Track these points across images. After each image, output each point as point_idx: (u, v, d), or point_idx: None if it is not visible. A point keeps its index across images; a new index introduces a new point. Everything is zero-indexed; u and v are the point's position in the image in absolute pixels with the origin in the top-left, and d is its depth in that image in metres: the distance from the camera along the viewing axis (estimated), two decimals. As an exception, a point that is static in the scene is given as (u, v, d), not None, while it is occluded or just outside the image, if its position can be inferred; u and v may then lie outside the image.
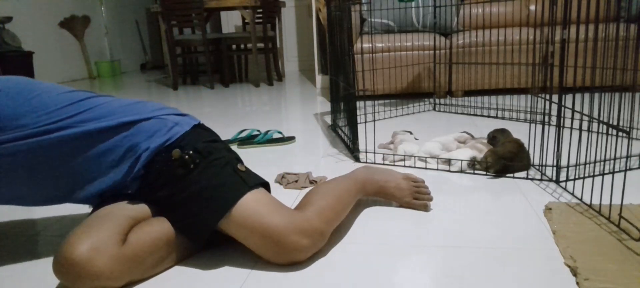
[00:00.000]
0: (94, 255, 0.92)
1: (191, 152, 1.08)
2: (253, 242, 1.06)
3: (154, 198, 1.12)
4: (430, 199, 1.37)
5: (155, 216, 1.12)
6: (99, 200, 1.14)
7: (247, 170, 1.15)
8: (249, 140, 2.25)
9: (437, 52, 3.17)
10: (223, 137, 2.43)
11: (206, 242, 1.15)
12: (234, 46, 5.20)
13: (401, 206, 1.40)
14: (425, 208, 1.37)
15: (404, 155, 1.86)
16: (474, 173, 1.68)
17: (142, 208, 1.10)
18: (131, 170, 1.10)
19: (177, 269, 1.11)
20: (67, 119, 1.04)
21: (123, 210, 1.05)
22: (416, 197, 1.38)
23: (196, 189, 1.06)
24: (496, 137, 1.84)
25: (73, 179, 1.08)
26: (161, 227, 1.07)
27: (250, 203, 1.05)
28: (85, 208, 1.54)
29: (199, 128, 1.17)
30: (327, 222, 1.11)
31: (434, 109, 2.95)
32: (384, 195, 1.39)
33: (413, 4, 3.35)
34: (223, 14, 6.23)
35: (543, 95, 1.68)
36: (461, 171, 1.71)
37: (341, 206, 1.19)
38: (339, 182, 1.27)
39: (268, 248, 1.05)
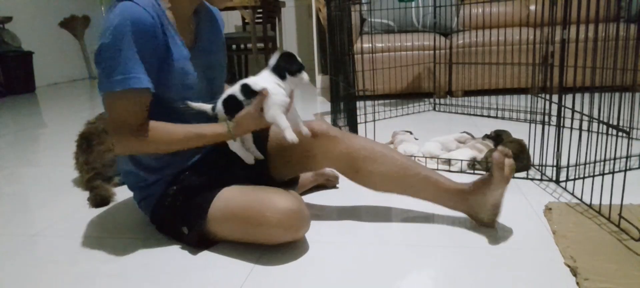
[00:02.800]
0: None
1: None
2: None
3: None
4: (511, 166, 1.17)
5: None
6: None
7: None
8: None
9: (437, 52, 3.16)
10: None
11: (207, 242, 1.20)
12: (234, 46, 5.20)
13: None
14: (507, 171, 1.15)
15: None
16: (474, 173, 1.68)
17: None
18: None
19: (178, 268, 1.11)
20: None
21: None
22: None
23: None
24: (500, 135, 1.84)
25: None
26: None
27: None
28: (82, 211, 1.54)
29: None
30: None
31: (434, 109, 2.95)
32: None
33: (413, 4, 3.35)
34: (223, 13, 6.23)
35: (543, 95, 1.68)
36: (461, 171, 1.71)
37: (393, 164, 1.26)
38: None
39: None
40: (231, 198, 1.14)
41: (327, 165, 1.31)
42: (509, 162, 1.15)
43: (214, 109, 1.19)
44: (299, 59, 1.19)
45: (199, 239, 1.18)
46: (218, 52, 1.31)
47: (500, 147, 1.18)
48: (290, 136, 1.11)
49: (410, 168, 1.24)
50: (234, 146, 1.24)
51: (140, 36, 1.05)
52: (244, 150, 1.25)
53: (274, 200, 1.09)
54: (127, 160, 1.23)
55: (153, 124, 1.13)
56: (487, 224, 1.23)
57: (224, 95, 1.19)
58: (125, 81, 1.05)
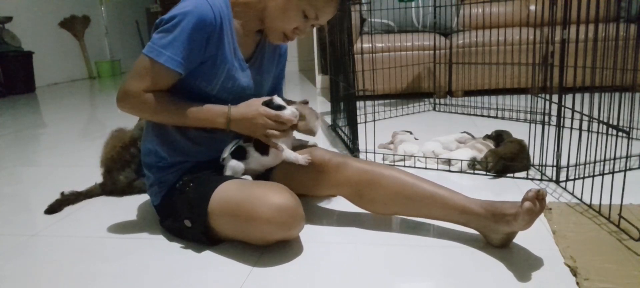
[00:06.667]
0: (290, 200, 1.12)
1: None
2: None
3: None
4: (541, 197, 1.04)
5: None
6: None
7: None
8: (249, 140, 2.25)
9: (437, 52, 3.17)
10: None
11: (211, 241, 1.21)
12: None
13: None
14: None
15: (404, 155, 1.86)
16: (474, 173, 1.68)
17: None
18: None
19: (177, 268, 1.11)
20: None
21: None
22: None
23: None
24: (501, 135, 1.84)
25: None
26: None
27: None
28: (82, 210, 1.54)
29: None
30: None
31: (434, 109, 2.95)
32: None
33: (413, 4, 3.35)
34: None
35: (543, 95, 1.68)
36: (461, 171, 1.71)
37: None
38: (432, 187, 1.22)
39: None
40: (228, 192, 1.15)
41: (331, 193, 1.34)
42: (540, 208, 1.03)
43: (223, 160, 1.27)
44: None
45: (203, 233, 1.18)
46: (270, 73, 1.39)
47: (540, 190, 1.02)
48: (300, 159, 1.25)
49: (414, 186, 1.20)
50: (230, 171, 1.27)
51: (197, 31, 1.13)
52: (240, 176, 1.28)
53: (268, 196, 1.10)
54: (153, 137, 1.26)
55: (159, 93, 1.17)
56: (496, 246, 1.14)
57: (233, 145, 1.27)
58: (161, 55, 1.13)
